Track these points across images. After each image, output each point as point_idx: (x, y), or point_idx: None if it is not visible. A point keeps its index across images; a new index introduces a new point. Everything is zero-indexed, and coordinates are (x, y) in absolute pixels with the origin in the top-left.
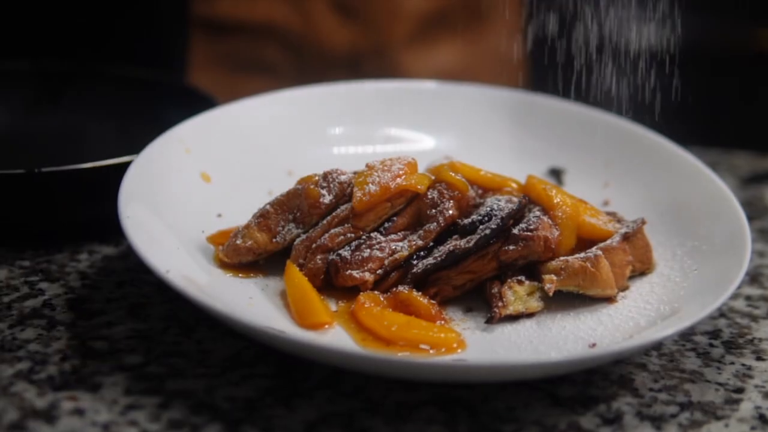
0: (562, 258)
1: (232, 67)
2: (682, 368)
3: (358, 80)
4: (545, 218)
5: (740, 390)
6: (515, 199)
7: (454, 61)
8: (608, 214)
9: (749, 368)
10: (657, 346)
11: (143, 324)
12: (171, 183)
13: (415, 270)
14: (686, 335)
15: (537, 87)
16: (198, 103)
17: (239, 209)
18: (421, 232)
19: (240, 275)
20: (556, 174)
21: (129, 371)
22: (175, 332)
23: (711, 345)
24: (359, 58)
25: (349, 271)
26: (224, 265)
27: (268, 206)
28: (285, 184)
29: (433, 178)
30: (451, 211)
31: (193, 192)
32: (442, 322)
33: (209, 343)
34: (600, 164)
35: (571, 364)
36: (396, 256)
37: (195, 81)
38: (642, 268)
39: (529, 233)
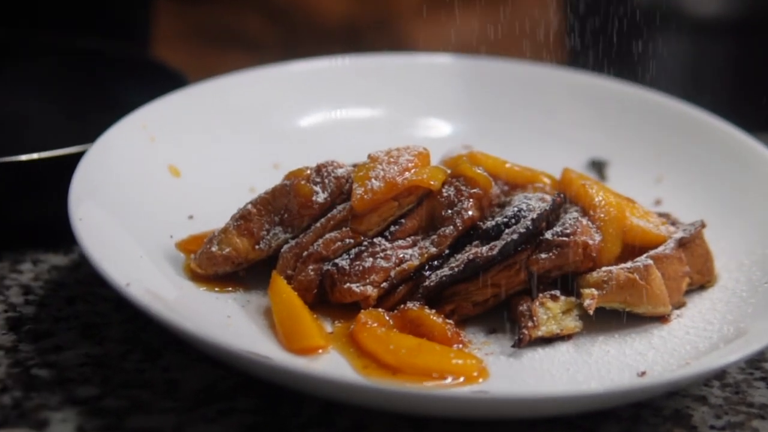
0: (604, 269)
1: (205, 40)
2: (749, 402)
3: (358, 54)
4: (584, 220)
5: None
6: (548, 198)
7: (474, 32)
8: (660, 215)
9: None
10: (720, 375)
11: (99, 348)
12: (132, 178)
13: (427, 283)
14: (755, 362)
15: (575, 62)
16: (165, 81)
17: (215, 210)
18: (434, 237)
19: (216, 289)
20: (598, 167)
21: (82, 405)
22: (138, 358)
23: None
24: (359, 30)
25: (348, 285)
26: (197, 277)
27: (249, 206)
28: (270, 180)
29: (449, 171)
30: (470, 212)
31: (160, 189)
32: (460, 345)
33: (178, 372)
34: (651, 155)
35: (617, 396)
36: (404, 266)
37: (161, 55)
38: (701, 281)
39: (564, 238)
